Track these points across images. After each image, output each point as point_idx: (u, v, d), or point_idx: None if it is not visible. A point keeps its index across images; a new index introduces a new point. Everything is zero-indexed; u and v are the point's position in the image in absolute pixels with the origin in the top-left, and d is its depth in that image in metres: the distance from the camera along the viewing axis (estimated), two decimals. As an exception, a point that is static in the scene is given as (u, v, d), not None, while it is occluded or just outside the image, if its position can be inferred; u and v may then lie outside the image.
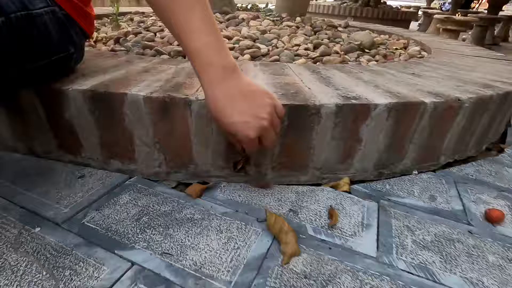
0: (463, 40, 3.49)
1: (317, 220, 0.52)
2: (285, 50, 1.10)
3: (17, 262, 0.40)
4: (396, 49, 1.46)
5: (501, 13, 4.66)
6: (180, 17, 0.41)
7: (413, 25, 4.92)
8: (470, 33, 4.03)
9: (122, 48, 1.04)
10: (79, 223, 0.48)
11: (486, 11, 4.46)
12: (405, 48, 1.55)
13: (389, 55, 1.27)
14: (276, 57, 1.04)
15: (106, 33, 1.21)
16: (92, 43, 1.08)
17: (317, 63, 1.02)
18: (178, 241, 0.46)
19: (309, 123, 0.55)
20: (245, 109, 0.43)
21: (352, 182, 0.64)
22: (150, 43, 1.11)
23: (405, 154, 0.66)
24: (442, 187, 0.64)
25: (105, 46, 1.09)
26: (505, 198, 0.62)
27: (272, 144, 0.48)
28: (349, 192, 0.61)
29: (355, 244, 0.48)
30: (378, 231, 0.51)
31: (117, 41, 1.13)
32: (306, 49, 1.19)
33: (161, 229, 0.48)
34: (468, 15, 3.54)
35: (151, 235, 0.47)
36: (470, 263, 0.46)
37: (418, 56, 1.27)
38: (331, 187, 0.62)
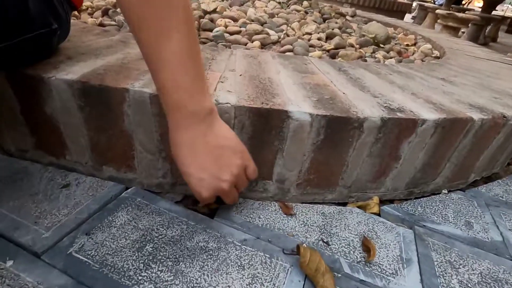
0: (458, 37, 3.47)
1: (351, 252, 0.45)
2: (298, 39, 0.99)
3: (-19, 315, 0.31)
4: (408, 45, 1.39)
5: (493, 12, 4.69)
6: (150, 47, 0.33)
7: (407, 17, 4.86)
8: (464, 31, 4.03)
9: (113, 23, 0.90)
10: (65, 254, 0.38)
11: (479, 9, 4.46)
12: (414, 44, 1.48)
13: (403, 52, 1.19)
14: (289, 46, 0.93)
15: (92, 2, 1.04)
16: (76, 13, 0.92)
17: (335, 58, 0.92)
18: (192, 281, 0.37)
19: (347, 138, 0.47)
20: (206, 165, 0.38)
21: (381, 202, 0.58)
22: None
23: (440, 173, 0.59)
24: (476, 211, 0.59)
25: (92, 18, 0.94)
26: (540, 226, 0.58)
27: (231, 203, 0.44)
28: (379, 215, 0.54)
29: (398, 286, 0.41)
30: (420, 269, 0.44)
31: (105, 12, 0.98)
32: (318, 39, 1.09)
33: (170, 263, 0.39)
34: (466, 12, 3.50)
35: (158, 273, 0.38)
36: (525, 312, 0.41)
37: (432, 55, 1.20)
38: (359, 207, 0.55)
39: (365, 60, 0.93)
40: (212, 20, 1.05)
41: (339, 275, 0.42)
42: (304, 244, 0.45)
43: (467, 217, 0.57)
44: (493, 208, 0.61)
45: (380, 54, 1.07)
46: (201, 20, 1.02)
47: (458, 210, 0.58)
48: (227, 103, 0.42)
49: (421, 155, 0.53)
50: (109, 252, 0.39)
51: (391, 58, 1.09)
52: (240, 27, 1.03)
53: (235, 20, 1.09)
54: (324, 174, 0.51)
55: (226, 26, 1.02)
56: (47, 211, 0.43)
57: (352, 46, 1.08)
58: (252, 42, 0.93)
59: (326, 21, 1.40)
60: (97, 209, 0.45)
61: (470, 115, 0.52)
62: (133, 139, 0.46)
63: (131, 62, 0.51)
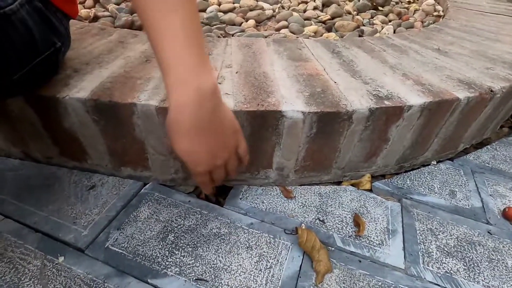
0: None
1: (344, 228, 0.52)
2: (293, 13, 0.97)
3: (50, 302, 0.39)
4: (409, 1, 1.33)
5: None
6: (155, 23, 0.33)
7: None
8: None
9: (106, 13, 0.90)
10: (104, 248, 0.46)
11: None
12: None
13: (404, 13, 1.15)
14: (284, 22, 0.93)
15: (82, -10, 1.02)
16: (68, 5, 0.91)
17: (331, 30, 0.92)
18: (209, 262, 0.45)
19: (338, 129, 0.51)
20: (208, 141, 0.38)
21: (373, 177, 0.63)
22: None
23: (428, 148, 0.64)
24: (461, 179, 0.64)
25: (84, 8, 0.93)
26: (520, 189, 0.63)
27: (218, 181, 0.44)
28: (371, 190, 0.61)
29: (384, 255, 0.49)
30: (403, 238, 0.51)
31: (96, 0, 0.97)
32: (315, 8, 1.06)
33: (189, 249, 0.47)
34: None
35: (181, 258, 0.46)
36: (491, 269, 0.48)
37: (434, 14, 1.16)
38: (353, 184, 0.61)
39: (362, 31, 0.92)
40: (204, -2, 1.03)
41: (333, 248, 0.49)
42: (303, 225, 0.52)
43: (452, 186, 0.63)
44: (478, 175, 0.66)
45: (378, 20, 1.05)
46: (194, -1, 1.00)
47: (444, 180, 0.64)
48: (225, 108, 0.46)
49: (409, 135, 0.57)
50: (139, 244, 0.47)
51: (390, 22, 1.07)
52: (234, 2, 1.02)
53: (228, -5, 1.06)
54: (319, 160, 0.56)
55: (219, 4, 1.00)
56: (81, 211, 0.51)
57: (349, 13, 1.05)
58: (247, 21, 0.93)
59: (324, -17, 1.33)
60: (122, 206, 0.52)
61: (456, 95, 0.55)
62: (145, 144, 0.51)
63: (133, 69, 0.54)
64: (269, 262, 0.46)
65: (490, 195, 0.62)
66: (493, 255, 0.50)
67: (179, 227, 0.50)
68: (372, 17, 1.07)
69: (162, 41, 0.34)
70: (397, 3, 1.29)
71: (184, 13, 0.33)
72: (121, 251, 0.46)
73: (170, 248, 0.47)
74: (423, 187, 0.62)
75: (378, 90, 0.54)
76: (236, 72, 0.56)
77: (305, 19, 0.96)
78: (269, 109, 0.47)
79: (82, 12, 0.89)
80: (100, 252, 0.45)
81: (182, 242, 0.48)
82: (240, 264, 0.46)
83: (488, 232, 0.54)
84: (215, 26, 0.87)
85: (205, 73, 0.36)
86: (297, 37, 0.79)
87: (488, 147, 0.75)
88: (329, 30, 0.93)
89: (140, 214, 0.52)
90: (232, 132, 0.41)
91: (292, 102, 0.49)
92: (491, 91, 0.59)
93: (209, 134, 0.38)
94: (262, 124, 0.49)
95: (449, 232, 0.53)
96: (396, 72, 0.62)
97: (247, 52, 0.65)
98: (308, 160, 0.56)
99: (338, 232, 0.51)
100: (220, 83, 0.53)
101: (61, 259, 0.44)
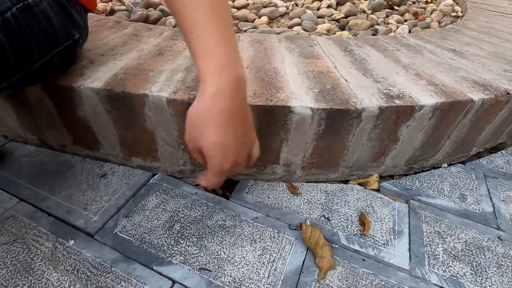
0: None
1: (349, 226, 0.52)
2: (306, 11, 0.97)
3: (59, 282, 0.41)
4: (427, 1, 1.30)
5: None
6: (190, 11, 0.33)
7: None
8: None
9: (122, 7, 0.92)
10: (112, 234, 0.47)
11: None
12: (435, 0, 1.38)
13: (420, 13, 1.13)
14: (297, 20, 0.93)
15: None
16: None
17: (345, 29, 0.91)
18: (214, 253, 0.46)
19: (347, 127, 0.51)
20: (237, 135, 0.36)
21: (381, 177, 0.63)
22: (153, -1, 0.97)
23: (439, 149, 0.63)
24: (472, 183, 0.63)
25: (102, 2, 0.96)
26: (534, 196, 0.62)
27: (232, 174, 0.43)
28: (378, 190, 0.60)
29: (388, 255, 0.48)
30: (409, 239, 0.51)
31: (114, -5, 0.99)
32: (329, 6, 1.06)
33: (195, 239, 0.48)
34: None
35: (186, 247, 0.47)
36: (500, 275, 0.47)
37: (452, 14, 1.13)
38: (360, 184, 0.61)
39: (376, 30, 0.91)
40: (219, -6, 1.04)
41: (337, 246, 0.49)
42: (308, 221, 0.52)
43: (462, 190, 0.61)
44: (491, 180, 0.65)
45: (393, 19, 1.03)
46: (208, -5, 1.01)
47: (454, 184, 0.63)
48: (234, 102, 0.47)
49: (420, 136, 0.57)
50: (145, 231, 0.48)
51: (405, 22, 1.05)
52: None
53: (242, -9, 1.06)
54: (326, 158, 0.56)
55: (233, 0, 1.01)
56: (92, 198, 0.52)
57: (364, 12, 1.04)
58: (260, 17, 0.93)
59: (339, -19, 1.32)
60: (131, 195, 0.54)
61: (470, 97, 0.54)
62: (155, 135, 0.53)
63: (146, 62, 0.55)
64: (272, 256, 0.47)
65: (503, 200, 0.60)
66: (502, 261, 0.49)
67: (185, 217, 0.51)
68: (387, 16, 1.05)
69: (196, 28, 0.33)
70: (414, 2, 1.27)
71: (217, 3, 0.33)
72: (128, 237, 0.47)
73: (176, 238, 0.48)
74: (432, 189, 0.61)
75: (389, 89, 0.53)
76: (247, 67, 0.57)
77: (318, 17, 0.95)
78: (278, 104, 0.47)
79: (100, 5, 0.91)
80: (109, 238, 0.47)
81: (187, 232, 0.49)
82: (243, 256, 0.46)
83: (499, 238, 0.52)
84: (228, 22, 0.87)
85: (239, 63, 0.35)
86: (309, 35, 0.79)
87: (503, 151, 0.73)
88: (342, 28, 0.92)
89: (148, 203, 0.53)
90: (253, 128, 0.40)
91: (301, 98, 0.49)
92: (508, 93, 0.57)
93: (239, 127, 0.36)
94: (270, 119, 0.49)
95: (457, 236, 0.52)
96: (409, 71, 0.61)
97: (259, 48, 0.65)
98: (316, 157, 0.56)
99: (343, 230, 0.51)
100: (230, 78, 0.53)
101: (72, 242, 0.46)
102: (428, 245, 0.50)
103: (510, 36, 0.88)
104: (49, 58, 0.45)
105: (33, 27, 0.40)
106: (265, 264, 0.45)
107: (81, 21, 0.51)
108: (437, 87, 0.55)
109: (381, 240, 0.50)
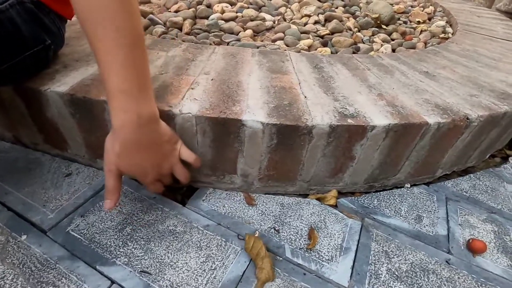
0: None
1: (297, 240, 0.53)
2: (292, 25, 1.00)
3: (3, 274, 0.43)
4: (419, 22, 1.32)
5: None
6: (102, 57, 0.39)
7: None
8: None
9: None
10: (64, 232, 0.49)
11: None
12: (429, 19, 1.39)
13: (408, 33, 1.14)
14: (281, 34, 0.95)
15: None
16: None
17: (327, 45, 0.93)
18: (158, 257, 0.48)
19: (299, 142, 0.52)
20: (148, 156, 0.46)
21: (341, 194, 0.64)
22: (143, 8, 1.01)
23: (400, 169, 0.63)
24: (432, 205, 0.63)
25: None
26: (494, 222, 0.61)
27: (154, 191, 0.52)
28: (336, 206, 0.61)
29: (330, 271, 0.49)
30: (355, 257, 0.51)
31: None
32: (316, 22, 1.08)
33: (142, 242, 0.50)
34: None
35: (133, 249, 0.48)
36: (439, 299, 0.47)
37: (441, 36, 1.14)
38: (318, 199, 0.62)
39: (358, 48, 0.93)
40: (209, 6, 1.08)
41: (281, 258, 0.50)
42: (257, 232, 0.53)
43: (420, 211, 0.62)
44: (452, 203, 0.65)
45: (379, 38, 1.05)
46: (198, 7, 1.05)
47: (414, 204, 0.63)
48: (188, 113, 0.49)
49: (376, 155, 0.58)
50: (97, 231, 0.50)
51: (392, 41, 1.07)
52: (236, 12, 1.05)
53: (232, 4, 1.10)
54: (283, 171, 0.57)
55: (222, 12, 1.04)
56: (53, 196, 0.55)
57: (350, 29, 1.06)
58: (245, 30, 0.96)
59: (333, -2, 1.35)
60: (91, 195, 0.56)
61: (425, 120, 0.55)
62: (117, 140, 0.55)
63: (116, 69, 0.58)
64: (215, 263, 0.48)
65: (460, 224, 0.60)
66: (445, 285, 0.49)
67: (138, 220, 0.53)
68: (373, 35, 1.07)
69: (107, 73, 0.39)
70: (405, 22, 1.28)
71: (128, 50, 0.39)
72: (79, 236, 0.49)
73: (125, 239, 0.50)
74: (389, 208, 0.61)
75: (345, 108, 0.55)
76: (212, 79, 0.59)
77: (302, 33, 0.97)
78: (230, 117, 0.49)
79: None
80: (60, 236, 0.49)
81: (137, 235, 0.51)
82: (186, 262, 0.47)
83: (446, 262, 0.53)
84: (212, 34, 0.91)
85: (144, 102, 0.42)
86: (284, 50, 0.81)
87: (471, 175, 0.73)
88: (325, 45, 0.94)
89: (106, 204, 0.55)
90: (172, 144, 0.48)
91: (254, 112, 0.51)
92: (467, 118, 0.58)
93: (149, 150, 0.45)
94: (224, 131, 0.51)
95: (405, 257, 0.53)
96: (372, 91, 0.62)
97: (230, 61, 0.68)
98: (272, 169, 0.57)
99: (290, 243, 0.52)
100: (192, 89, 0.55)
101: (24, 237, 0.48)
102: (373, 264, 0.51)
103: (490, 61, 0.88)
104: (19, 61, 0.49)
105: (-1, 33, 0.43)
106: (206, 271, 0.47)
107: (55, 28, 0.54)
108: (395, 108, 0.57)
109: (326, 255, 0.51)
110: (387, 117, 0.54)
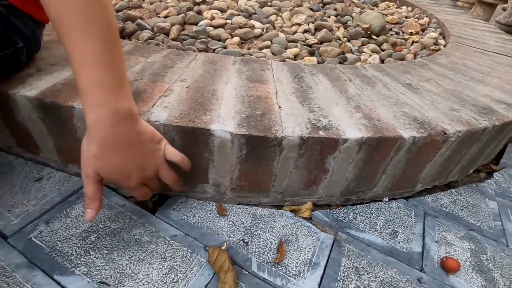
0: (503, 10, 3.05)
1: (265, 253, 0.52)
2: (280, 34, 1.00)
3: (-43, 282, 0.42)
4: (411, 33, 1.32)
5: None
6: (74, 47, 0.36)
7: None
8: (506, 6, 3.55)
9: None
10: (26, 239, 0.48)
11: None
12: (422, 31, 1.39)
13: (399, 44, 1.14)
14: (268, 42, 0.95)
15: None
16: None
17: (313, 54, 0.93)
18: (119, 267, 0.47)
19: (270, 153, 0.51)
20: (130, 156, 0.42)
21: (318, 206, 0.63)
22: (133, 13, 1.01)
23: (376, 183, 0.62)
24: (409, 220, 0.62)
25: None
26: (471, 240, 0.60)
27: (141, 198, 0.49)
28: (310, 219, 0.60)
29: (296, 286, 0.48)
30: (324, 272, 0.50)
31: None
32: (306, 31, 1.08)
33: (105, 251, 0.48)
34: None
35: (94, 259, 0.47)
36: (406, 319, 0.46)
37: (432, 47, 1.14)
38: (292, 211, 0.61)
39: (344, 58, 0.93)
40: (199, 12, 1.08)
41: (246, 272, 0.49)
42: (225, 244, 0.52)
43: (396, 226, 0.60)
44: (430, 219, 0.63)
45: (368, 49, 1.04)
46: (188, 13, 1.05)
47: (390, 219, 0.62)
48: (156, 121, 0.48)
49: (350, 168, 0.57)
50: (60, 239, 0.49)
51: (382, 51, 1.06)
52: (226, 19, 1.05)
53: (222, 11, 1.10)
54: (255, 182, 0.56)
55: (212, 19, 1.04)
56: (19, 201, 0.54)
57: (339, 39, 1.06)
58: (232, 37, 0.96)
59: (325, 7, 1.35)
60: (59, 201, 0.55)
61: (400, 134, 0.54)
62: (87, 145, 0.54)
63: (90, 74, 0.58)
64: (177, 276, 0.47)
65: (436, 241, 0.59)
66: (414, 305, 0.48)
67: (104, 228, 0.52)
68: (362, 45, 1.06)
69: (80, 68, 0.37)
70: (397, 33, 1.28)
71: (102, 40, 0.37)
72: (41, 244, 0.48)
73: (87, 248, 0.49)
74: (364, 223, 0.60)
75: (319, 120, 0.54)
76: (187, 87, 0.59)
77: (290, 41, 0.97)
78: (199, 126, 0.48)
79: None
80: (21, 242, 0.48)
81: (101, 243, 0.49)
82: (147, 274, 0.46)
83: (418, 280, 0.51)
84: (199, 40, 0.90)
85: (120, 97, 0.39)
86: (268, 59, 0.81)
87: (453, 190, 0.72)
88: (312, 54, 0.94)
89: (73, 211, 0.54)
90: (155, 143, 0.44)
91: (224, 122, 0.50)
92: (445, 133, 0.57)
93: (129, 149, 0.41)
94: (193, 140, 0.50)
95: (375, 274, 0.51)
96: (350, 103, 0.61)
97: (209, 68, 0.67)
98: (244, 180, 0.56)
99: (257, 257, 0.51)
100: (165, 96, 0.55)
101: (-16, 243, 0.47)
102: (341, 281, 0.49)
103: (477, 75, 0.88)
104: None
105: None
106: (167, 283, 0.45)
107: (28, 31, 0.54)
108: (370, 121, 0.56)
109: (294, 270, 0.50)
110: (360, 130, 0.53)
